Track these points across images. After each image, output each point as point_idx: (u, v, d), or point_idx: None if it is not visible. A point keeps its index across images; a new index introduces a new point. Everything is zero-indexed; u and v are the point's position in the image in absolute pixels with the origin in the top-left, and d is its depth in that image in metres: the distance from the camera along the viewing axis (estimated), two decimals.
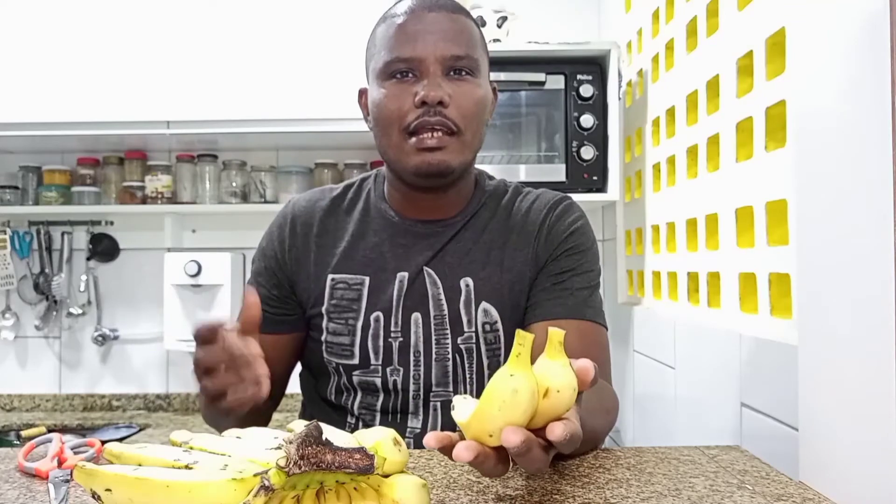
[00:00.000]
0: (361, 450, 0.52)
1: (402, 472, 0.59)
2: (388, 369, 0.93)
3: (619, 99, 1.72)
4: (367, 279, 0.94)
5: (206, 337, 0.68)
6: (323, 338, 0.95)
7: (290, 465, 0.50)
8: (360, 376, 0.94)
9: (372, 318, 0.94)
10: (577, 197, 1.72)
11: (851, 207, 0.67)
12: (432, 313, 0.93)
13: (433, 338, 0.93)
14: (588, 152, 1.71)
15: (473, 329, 0.93)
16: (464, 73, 0.88)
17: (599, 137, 1.72)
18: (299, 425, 0.62)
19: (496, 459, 0.55)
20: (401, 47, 0.87)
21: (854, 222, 0.67)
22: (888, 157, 0.62)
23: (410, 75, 0.87)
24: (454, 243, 0.96)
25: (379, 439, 0.59)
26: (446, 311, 0.93)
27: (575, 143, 1.71)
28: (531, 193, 1.02)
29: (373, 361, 0.94)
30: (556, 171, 1.73)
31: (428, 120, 0.85)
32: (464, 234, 0.96)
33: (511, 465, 0.57)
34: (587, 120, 1.71)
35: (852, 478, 0.67)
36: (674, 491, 0.69)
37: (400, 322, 0.93)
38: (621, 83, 1.74)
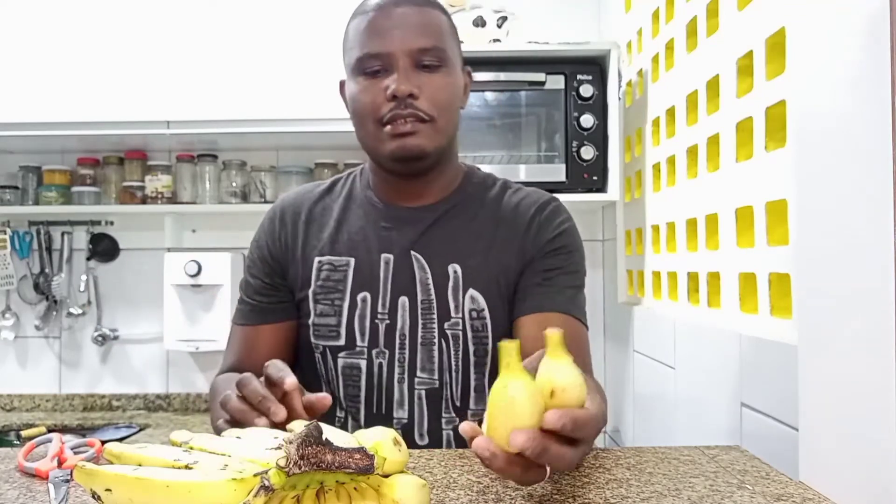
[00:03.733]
0: (361, 450, 0.52)
1: (402, 472, 0.59)
2: (373, 351, 0.95)
3: (619, 99, 1.73)
4: (352, 260, 0.97)
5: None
6: (310, 321, 0.97)
7: (290, 465, 0.50)
8: (345, 358, 0.96)
9: (358, 298, 0.96)
10: (576, 197, 1.74)
11: (851, 207, 0.67)
12: (419, 297, 0.95)
13: (419, 322, 0.94)
14: (588, 152, 1.71)
15: (460, 315, 0.95)
16: (433, 64, 0.91)
17: (599, 137, 1.72)
18: (299, 425, 0.62)
19: (522, 466, 0.55)
20: (370, 43, 0.90)
21: (854, 222, 0.67)
22: (888, 157, 0.62)
23: (382, 70, 0.91)
24: (441, 229, 0.98)
25: (379, 439, 0.59)
26: (433, 296, 0.95)
27: (575, 143, 1.71)
28: (521, 190, 1.04)
29: (359, 343, 0.95)
30: (556, 171, 1.73)
31: (400, 112, 0.89)
32: (451, 221, 0.98)
33: (547, 469, 0.57)
34: (587, 120, 1.71)
35: (852, 478, 0.67)
36: (674, 491, 0.69)
37: (388, 304, 0.95)
38: (621, 83, 1.74)
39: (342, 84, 1.00)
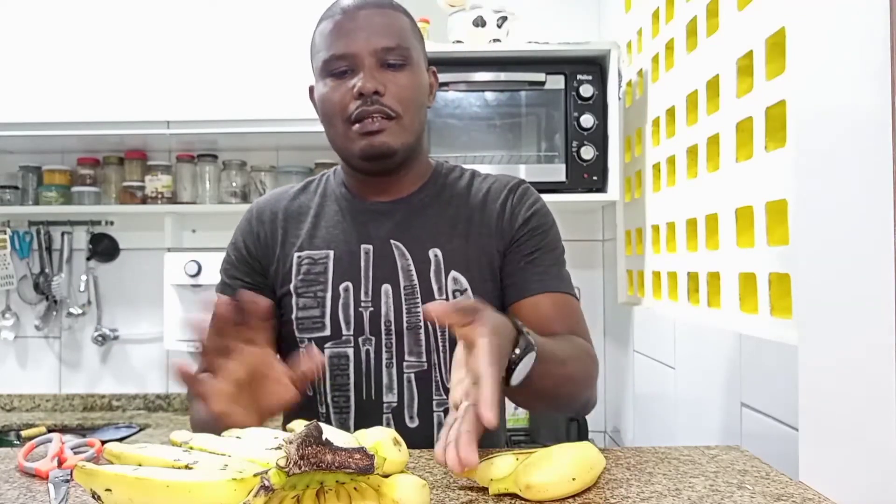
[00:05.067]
0: (361, 450, 0.52)
1: (402, 472, 0.59)
2: (360, 339, 0.97)
3: (619, 99, 1.73)
4: (331, 253, 0.99)
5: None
6: (293, 315, 0.98)
7: (290, 465, 0.50)
8: (332, 348, 0.97)
9: (341, 287, 0.97)
10: (576, 197, 1.74)
11: (851, 207, 0.67)
12: (402, 283, 0.97)
13: (404, 307, 0.96)
14: (588, 152, 1.71)
15: (444, 297, 0.97)
16: (397, 63, 0.94)
17: (599, 137, 1.72)
18: (299, 425, 0.62)
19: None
20: (336, 45, 0.93)
21: (854, 222, 0.67)
22: (888, 157, 0.62)
23: (348, 70, 0.94)
24: (418, 217, 1.01)
25: (379, 439, 0.59)
26: (416, 281, 0.97)
27: (575, 143, 1.71)
28: (489, 176, 1.08)
29: (344, 332, 0.97)
30: (556, 171, 1.73)
31: (367, 109, 0.92)
32: (427, 210, 1.01)
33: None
34: (587, 120, 1.71)
35: (852, 478, 0.67)
36: (674, 491, 0.69)
37: (370, 292, 0.97)
38: (621, 83, 1.74)
39: (311, 89, 1.03)
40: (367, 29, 0.93)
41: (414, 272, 0.97)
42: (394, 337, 0.96)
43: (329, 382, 0.98)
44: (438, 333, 0.96)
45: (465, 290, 0.97)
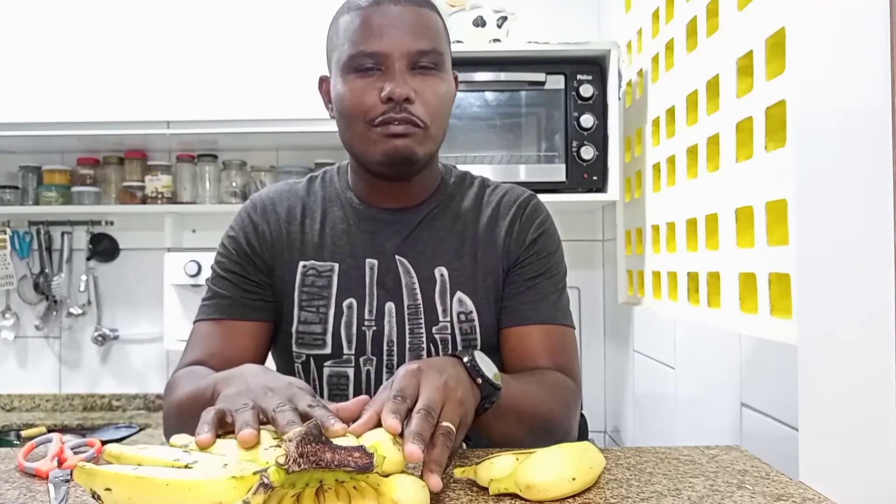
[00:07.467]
0: (361, 448, 0.52)
1: (401, 471, 0.59)
2: (361, 359, 0.93)
3: (619, 99, 1.73)
4: (336, 266, 0.94)
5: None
6: (293, 328, 0.94)
7: (290, 463, 0.50)
8: (331, 367, 0.93)
9: (344, 305, 0.93)
10: (576, 197, 1.74)
11: (851, 207, 0.67)
12: (406, 303, 0.93)
13: (407, 328, 0.93)
14: (588, 152, 1.71)
15: (449, 319, 0.93)
16: (429, 67, 0.88)
17: (599, 137, 1.72)
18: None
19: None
20: (366, 42, 0.86)
21: (854, 222, 0.67)
22: (888, 157, 0.62)
23: (375, 70, 0.87)
24: (424, 231, 0.96)
25: (379, 439, 0.59)
26: (420, 301, 0.93)
27: (575, 143, 1.71)
28: (499, 187, 1.03)
29: (345, 350, 0.93)
30: (556, 171, 1.73)
31: (393, 116, 0.86)
32: (434, 223, 0.97)
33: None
34: (587, 120, 1.71)
35: (852, 478, 0.67)
36: (674, 491, 0.69)
37: (374, 310, 0.93)
38: (621, 83, 1.74)
39: (323, 80, 0.97)
40: (400, 27, 0.86)
41: (418, 290, 0.93)
42: (395, 358, 0.93)
43: (327, 402, 0.94)
44: (441, 355, 0.93)
45: (471, 311, 0.94)
